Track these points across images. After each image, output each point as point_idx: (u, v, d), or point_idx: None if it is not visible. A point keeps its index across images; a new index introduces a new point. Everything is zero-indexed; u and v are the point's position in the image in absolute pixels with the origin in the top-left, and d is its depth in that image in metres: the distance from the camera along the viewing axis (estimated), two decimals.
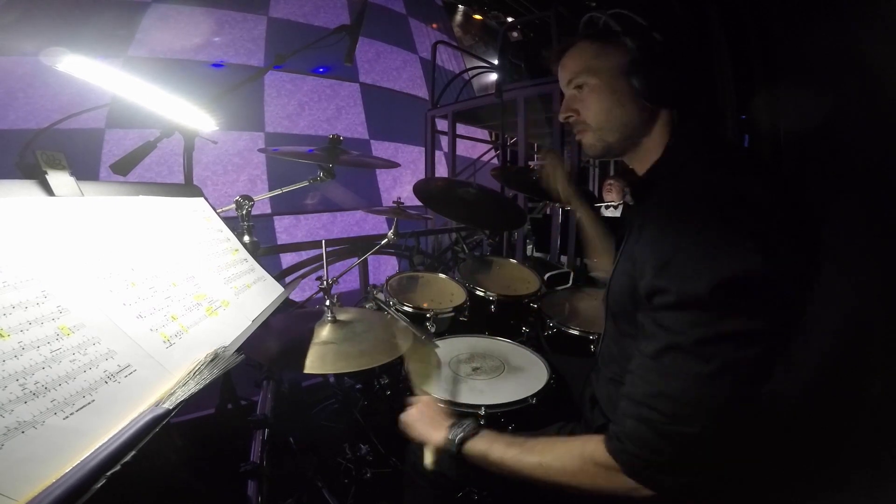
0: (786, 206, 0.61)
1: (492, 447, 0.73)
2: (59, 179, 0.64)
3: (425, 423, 0.85)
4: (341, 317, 1.19)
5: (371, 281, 2.28)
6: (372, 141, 6.24)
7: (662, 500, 0.60)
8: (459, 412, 0.96)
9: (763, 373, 0.57)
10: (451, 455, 0.77)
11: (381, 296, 1.53)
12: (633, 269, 0.70)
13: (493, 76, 5.57)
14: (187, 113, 1.04)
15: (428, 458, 0.82)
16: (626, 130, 0.78)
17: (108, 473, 0.40)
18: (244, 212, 1.23)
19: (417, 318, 1.44)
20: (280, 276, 2.06)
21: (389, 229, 1.63)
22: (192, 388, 0.54)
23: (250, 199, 1.24)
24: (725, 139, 1.29)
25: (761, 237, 0.56)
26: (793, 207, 0.62)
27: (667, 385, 0.58)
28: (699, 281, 0.56)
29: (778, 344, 0.57)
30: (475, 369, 1.21)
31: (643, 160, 0.80)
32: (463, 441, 0.76)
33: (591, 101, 0.78)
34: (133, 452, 0.43)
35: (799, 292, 0.59)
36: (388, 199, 6.11)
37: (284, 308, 1.09)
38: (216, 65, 5.22)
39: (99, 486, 0.39)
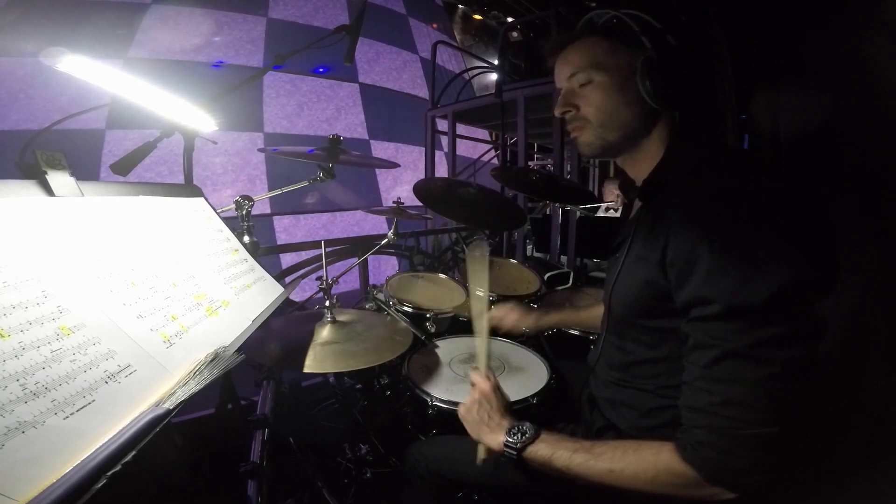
0: (810, 205, 0.62)
1: (556, 453, 0.70)
2: (59, 179, 0.64)
3: (480, 422, 0.81)
4: (341, 317, 1.19)
5: (371, 281, 2.28)
6: (371, 141, 6.24)
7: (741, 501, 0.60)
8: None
9: (815, 365, 0.59)
10: (511, 460, 0.74)
11: (381, 296, 1.53)
12: (654, 275, 0.69)
13: (493, 76, 5.57)
14: (187, 113, 1.04)
15: (480, 453, 0.79)
16: (628, 130, 0.77)
17: (109, 473, 0.40)
18: (244, 212, 1.23)
19: (417, 319, 1.44)
20: (280, 276, 2.06)
21: (389, 229, 1.63)
22: (193, 388, 0.54)
23: (250, 199, 1.24)
24: (726, 142, 1.28)
25: (802, 241, 0.57)
26: (815, 207, 0.62)
27: (731, 392, 0.58)
28: (751, 291, 0.56)
29: (820, 335, 0.60)
30: (476, 369, 1.21)
31: (640, 161, 0.80)
32: (524, 448, 0.73)
33: (595, 97, 0.76)
34: (133, 452, 0.43)
35: (830, 287, 0.61)
36: (388, 199, 6.11)
37: (284, 308, 1.09)
38: (216, 65, 5.23)
39: (99, 486, 0.39)
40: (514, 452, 0.73)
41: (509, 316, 1.30)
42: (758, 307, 0.56)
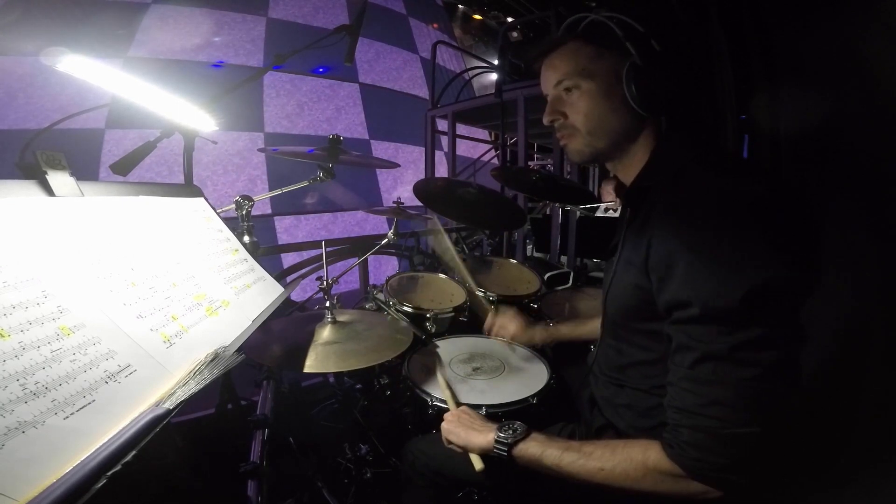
0: (792, 208, 0.62)
1: (545, 451, 0.71)
2: (59, 179, 0.64)
3: (467, 428, 0.82)
4: (341, 317, 1.19)
5: (371, 281, 2.28)
6: (372, 141, 6.24)
7: (729, 500, 0.61)
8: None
9: (796, 367, 0.60)
10: (502, 459, 0.74)
11: (381, 296, 1.53)
12: (640, 279, 0.70)
13: (493, 76, 5.57)
14: (187, 113, 1.04)
15: (477, 464, 0.79)
16: (616, 137, 0.77)
17: (109, 473, 0.40)
18: (244, 212, 1.23)
19: (417, 318, 1.44)
20: (280, 276, 2.06)
21: (389, 229, 1.63)
22: (193, 388, 0.54)
23: (250, 199, 1.24)
24: (715, 143, 1.28)
25: (779, 243, 0.58)
26: (798, 209, 0.62)
27: (715, 394, 0.59)
28: (727, 293, 0.57)
29: (801, 339, 0.60)
30: (475, 369, 1.21)
31: (628, 166, 0.79)
32: (514, 444, 0.74)
33: (582, 104, 0.75)
34: (133, 452, 0.43)
35: (809, 290, 0.61)
36: (388, 199, 6.12)
37: (284, 308, 1.09)
38: (216, 65, 5.23)
39: (99, 486, 0.39)
40: (505, 448, 0.74)
41: (509, 327, 1.32)
42: (735, 309, 0.57)
